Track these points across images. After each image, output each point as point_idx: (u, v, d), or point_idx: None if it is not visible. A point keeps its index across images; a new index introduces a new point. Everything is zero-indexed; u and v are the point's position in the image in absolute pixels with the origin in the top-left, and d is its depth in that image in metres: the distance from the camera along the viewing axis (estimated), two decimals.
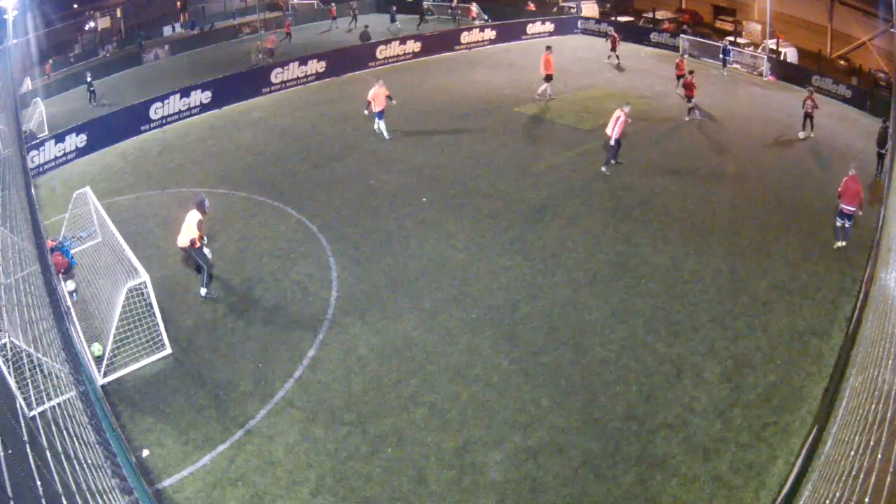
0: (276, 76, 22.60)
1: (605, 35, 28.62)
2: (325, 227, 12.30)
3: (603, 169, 14.44)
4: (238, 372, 8.46)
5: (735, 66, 25.88)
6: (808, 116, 17.02)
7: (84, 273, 10.72)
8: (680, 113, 19.21)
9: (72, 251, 11.10)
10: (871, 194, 13.60)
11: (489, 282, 10.32)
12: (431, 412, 7.66)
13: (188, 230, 9.64)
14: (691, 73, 18.96)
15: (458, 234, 11.83)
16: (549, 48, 20.16)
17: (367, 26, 32.29)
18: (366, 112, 17.21)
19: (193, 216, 9.69)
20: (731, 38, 28.41)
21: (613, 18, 33.90)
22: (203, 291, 10.06)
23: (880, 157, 14.34)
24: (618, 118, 13.93)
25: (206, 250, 10.06)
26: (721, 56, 25.55)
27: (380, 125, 16.92)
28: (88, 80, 24.86)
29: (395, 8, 36.48)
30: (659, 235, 11.66)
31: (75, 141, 17.06)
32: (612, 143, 14.14)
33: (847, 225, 11.36)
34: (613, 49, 26.03)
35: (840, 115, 20.38)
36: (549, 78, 19.88)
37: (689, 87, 18.41)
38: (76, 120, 18.28)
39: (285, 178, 14.78)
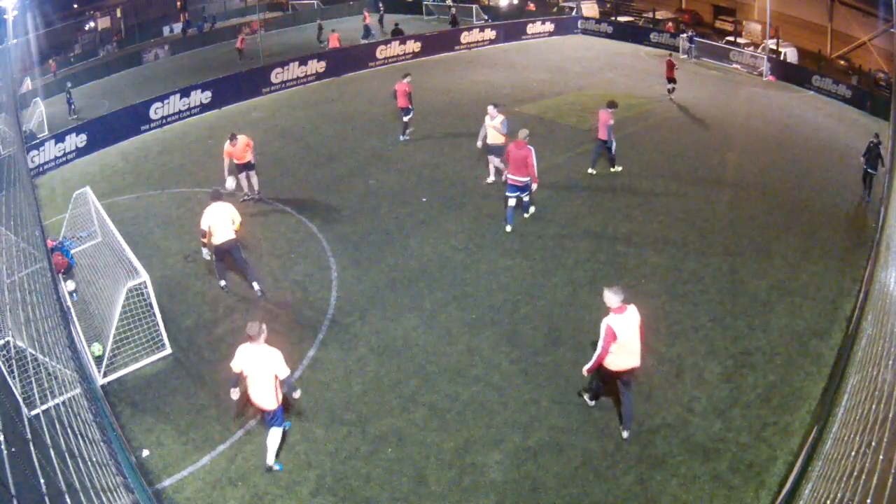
0: (276, 76, 22.61)
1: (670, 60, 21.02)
2: (325, 227, 12.31)
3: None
4: None
5: (735, 66, 25.98)
6: None
7: (84, 273, 10.72)
8: (680, 113, 19.25)
9: (72, 251, 11.09)
10: (854, 223, 12.33)
11: (489, 282, 10.32)
12: (431, 412, 7.67)
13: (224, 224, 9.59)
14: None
15: (458, 234, 11.83)
16: (228, 138, 12.48)
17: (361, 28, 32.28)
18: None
19: (223, 209, 9.61)
20: (692, 33, 28.87)
21: (613, 18, 33.94)
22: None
23: (868, 176, 12.73)
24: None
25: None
26: (688, 45, 27.56)
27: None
28: (69, 88, 23.91)
29: (382, 7, 36.23)
30: (659, 235, 11.66)
31: (75, 141, 17.07)
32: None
33: (524, 199, 11.50)
34: (671, 80, 20.42)
35: (840, 115, 20.41)
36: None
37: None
38: (75, 120, 18.27)
39: (285, 178, 14.77)
